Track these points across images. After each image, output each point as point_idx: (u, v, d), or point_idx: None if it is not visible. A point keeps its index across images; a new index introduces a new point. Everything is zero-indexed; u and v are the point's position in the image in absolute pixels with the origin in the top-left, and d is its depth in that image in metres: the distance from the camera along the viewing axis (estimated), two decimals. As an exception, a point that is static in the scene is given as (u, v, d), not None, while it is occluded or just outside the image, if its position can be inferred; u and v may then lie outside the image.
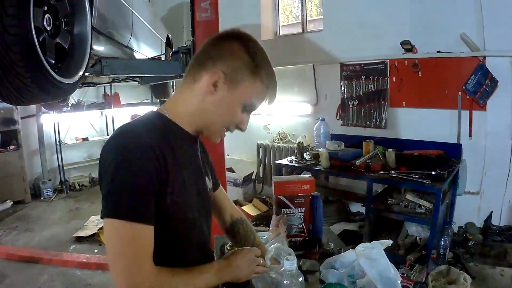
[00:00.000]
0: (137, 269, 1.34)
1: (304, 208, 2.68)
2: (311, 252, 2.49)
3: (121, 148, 1.41)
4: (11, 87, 1.93)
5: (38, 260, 6.08)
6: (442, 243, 4.57)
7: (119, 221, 1.34)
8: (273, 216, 2.66)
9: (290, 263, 1.71)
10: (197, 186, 1.71)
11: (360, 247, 2.05)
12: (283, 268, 1.74)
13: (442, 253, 4.57)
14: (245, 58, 1.56)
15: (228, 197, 2.21)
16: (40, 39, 2.02)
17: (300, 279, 1.75)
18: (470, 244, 5.23)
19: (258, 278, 1.78)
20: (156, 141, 1.45)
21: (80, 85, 5.49)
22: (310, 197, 2.70)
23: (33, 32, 1.91)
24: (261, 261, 1.76)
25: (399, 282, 1.89)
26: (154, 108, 1.79)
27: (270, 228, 2.51)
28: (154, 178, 1.40)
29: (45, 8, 2.14)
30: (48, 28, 2.19)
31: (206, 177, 1.84)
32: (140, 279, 1.34)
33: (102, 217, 1.38)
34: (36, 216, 8.23)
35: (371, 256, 1.95)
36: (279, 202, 2.66)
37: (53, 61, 2.23)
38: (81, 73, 2.58)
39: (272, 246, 2.00)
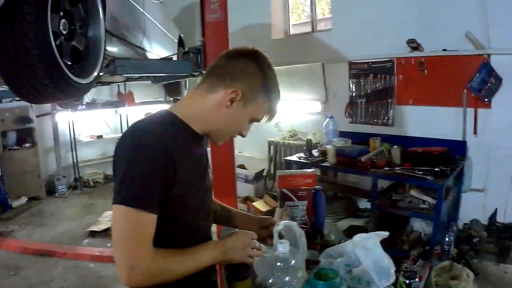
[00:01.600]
0: (137, 252, 1.51)
1: (306, 201, 2.78)
2: (313, 243, 2.58)
3: (136, 144, 1.57)
4: (30, 87, 2.06)
5: (52, 254, 6.22)
6: (447, 239, 4.63)
7: (127, 208, 1.49)
8: (277, 208, 2.77)
9: (283, 247, 1.83)
10: (202, 181, 1.87)
11: (356, 237, 2.11)
12: (276, 252, 1.87)
13: (446, 249, 4.63)
14: (260, 80, 1.76)
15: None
16: (57, 43, 2.14)
17: (293, 262, 1.87)
18: (474, 241, 5.28)
19: (252, 262, 1.88)
20: (167, 139, 1.60)
21: (95, 84, 5.65)
22: (312, 191, 2.80)
23: (51, 37, 2.03)
24: (257, 245, 1.90)
25: (392, 271, 1.99)
26: (167, 106, 1.91)
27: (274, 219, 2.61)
28: (162, 173, 1.55)
29: (61, 13, 2.26)
30: (64, 32, 2.30)
31: (208, 172, 2.00)
32: (139, 261, 1.50)
33: (113, 203, 1.53)
34: (51, 211, 8.37)
35: (367, 247, 2.02)
36: (283, 195, 2.77)
37: (69, 63, 2.35)
38: (95, 73, 2.70)
39: (283, 222, 2.14)
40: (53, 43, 2.06)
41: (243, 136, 1.88)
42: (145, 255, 1.53)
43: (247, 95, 1.73)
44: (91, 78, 2.63)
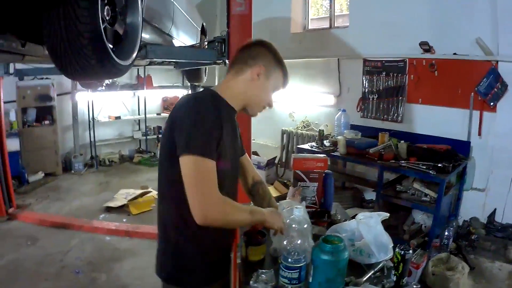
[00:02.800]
0: (210, 194, 1.86)
1: (317, 183, 3.03)
2: (321, 221, 2.86)
3: (198, 108, 1.96)
4: (78, 66, 2.28)
5: (69, 226, 6.42)
6: (446, 233, 4.76)
7: (198, 157, 1.85)
8: (290, 187, 3.04)
9: (298, 210, 2.13)
10: (234, 147, 2.26)
11: (360, 215, 2.38)
12: (292, 216, 2.15)
13: (445, 242, 4.81)
14: (273, 57, 2.23)
15: (251, 162, 2.72)
16: (103, 27, 2.34)
17: (306, 225, 2.15)
18: (472, 237, 5.42)
19: (278, 236, 2.23)
20: (217, 107, 2.03)
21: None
22: (324, 174, 3.05)
23: (100, 22, 2.24)
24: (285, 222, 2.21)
25: (390, 246, 2.21)
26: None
27: (287, 198, 2.84)
28: (219, 131, 1.96)
29: (106, 1, 2.48)
30: (107, 18, 2.52)
31: (238, 142, 2.40)
32: (212, 201, 1.87)
33: (180, 155, 1.88)
34: (67, 187, 8.57)
35: (369, 224, 2.28)
36: (296, 176, 3.04)
37: (111, 46, 2.58)
38: (133, 56, 2.94)
39: (286, 201, 2.47)
40: (101, 28, 2.27)
41: (270, 106, 2.29)
42: (217, 196, 1.89)
43: (268, 68, 2.20)
44: (129, 61, 2.85)
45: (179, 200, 1.92)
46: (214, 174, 1.89)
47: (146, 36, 3.74)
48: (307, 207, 2.79)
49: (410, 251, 2.04)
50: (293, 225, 2.10)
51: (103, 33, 2.29)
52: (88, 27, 2.17)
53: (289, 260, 1.90)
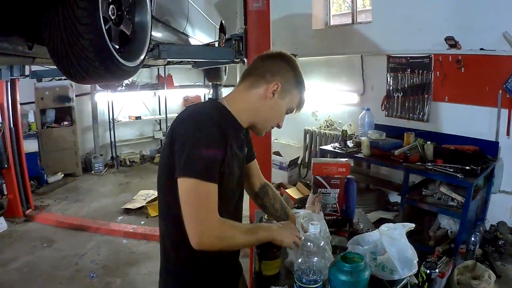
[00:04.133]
0: (207, 218, 1.76)
1: (339, 189, 2.85)
2: (342, 230, 2.71)
3: (200, 125, 1.81)
4: (80, 68, 2.17)
5: (86, 228, 6.41)
6: (473, 238, 4.64)
7: (198, 180, 1.73)
8: (310, 194, 2.85)
9: (314, 227, 1.96)
10: (239, 168, 2.07)
11: (384, 227, 2.20)
12: (307, 232, 1.99)
13: (471, 248, 4.64)
14: (292, 74, 2.06)
15: (258, 167, 2.55)
16: (106, 27, 2.23)
17: (322, 243, 1.98)
18: (499, 243, 5.22)
19: (294, 246, 2.05)
20: (223, 125, 1.86)
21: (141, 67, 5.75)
22: (345, 180, 2.87)
23: (101, 22, 2.13)
24: (300, 235, 2.08)
25: (415, 262, 2.05)
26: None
27: (306, 205, 2.67)
28: (222, 152, 1.83)
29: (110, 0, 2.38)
30: (113, 17, 2.41)
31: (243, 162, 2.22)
32: (210, 225, 1.76)
33: (178, 176, 1.77)
34: (86, 188, 8.56)
35: (393, 236, 2.10)
36: (316, 182, 2.85)
37: (117, 46, 2.46)
38: (142, 57, 2.82)
39: (304, 212, 2.28)
40: (103, 28, 2.16)
41: (279, 127, 2.14)
42: (214, 221, 1.77)
43: (284, 87, 2.02)
44: (137, 62, 2.74)
45: (179, 221, 1.80)
46: (214, 198, 1.79)
47: (158, 35, 3.66)
48: (327, 215, 2.69)
49: (437, 270, 1.88)
50: (308, 243, 1.94)
51: (105, 33, 2.18)
52: (88, 27, 2.07)
53: (303, 280, 1.74)
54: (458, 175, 4.70)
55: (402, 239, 2.10)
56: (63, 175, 9.05)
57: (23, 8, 2.11)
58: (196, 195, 1.74)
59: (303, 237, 2.05)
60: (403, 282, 2.02)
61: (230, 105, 2.03)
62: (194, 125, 1.82)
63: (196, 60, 5.57)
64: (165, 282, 2.16)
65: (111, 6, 2.40)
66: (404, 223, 2.21)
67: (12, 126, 6.80)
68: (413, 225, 2.20)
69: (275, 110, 2.07)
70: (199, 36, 5.29)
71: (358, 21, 7.81)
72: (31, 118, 8.53)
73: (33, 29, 2.36)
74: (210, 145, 1.77)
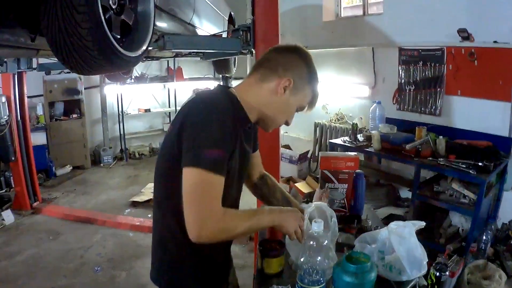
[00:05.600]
0: (209, 209, 1.67)
1: (347, 185, 2.78)
2: (350, 227, 2.62)
3: (210, 113, 1.74)
4: (79, 59, 2.11)
5: (92, 221, 6.44)
6: (484, 237, 4.55)
7: (203, 170, 1.65)
8: (317, 189, 2.80)
9: (317, 225, 1.85)
10: (243, 162, 2.03)
11: (393, 224, 2.12)
12: (310, 230, 1.89)
13: (482, 247, 4.56)
14: (306, 71, 1.98)
15: (260, 158, 2.50)
16: (106, 16, 2.18)
17: (325, 242, 1.89)
18: (511, 242, 5.13)
19: (297, 235, 1.96)
20: (233, 115, 1.83)
21: (144, 59, 5.68)
22: (354, 174, 2.80)
23: (100, 10, 2.06)
24: (304, 227, 1.98)
25: (425, 262, 1.97)
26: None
27: (313, 200, 2.60)
28: (232, 143, 1.79)
29: None
30: (114, 7, 2.33)
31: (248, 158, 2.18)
32: (211, 217, 1.67)
33: (186, 166, 1.69)
34: (95, 181, 8.62)
35: (402, 235, 2.02)
36: (324, 176, 2.79)
37: (118, 36, 2.39)
38: (144, 47, 2.73)
39: (314, 204, 2.18)
40: (102, 17, 2.09)
41: (287, 124, 2.08)
42: (216, 212, 1.69)
43: (297, 84, 1.95)
44: (139, 52, 2.66)
45: (178, 211, 1.74)
46: (220, 191, 1.72)
47: (163, 25, 3.58)
48: (335, 211, 2.55)
49: (447, 273, 1.80)
50: (311, 242, 1.85)
51: (103, 22, 2.10)
52: (85, 16, 1.99)
53: (305, 281, 1.66)
54: (471, 171, 4.57)
55: (412, 238, 2.03)
56: (71, 167, 9.10)
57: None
58: (202, 187, 1.67)
59: (309, 231, 1.94)
60: (412, 284, 1.95)
61: (240, 96, 1.97)
62: (208, 115, 1.74)
63: (204, 51, 5.51)
64: (159, 271, 2.09)
65: (111, -5, 2.32)
66: (414, 221, 2.13)
67: (19, 119, 6.82)
68: (423, 223, 2.12)
69: (285, 106, 2.01)
70: (206, 27, 5.21)
71: (370, 12, 7.69)
72: (39, 111, 8.58)
73: (34, 19, 2.29)
74: (223, 138, 1.72)
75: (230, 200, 1.96)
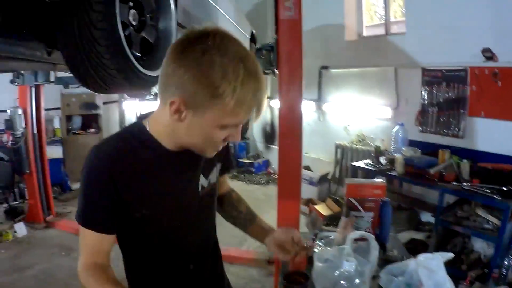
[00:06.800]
0: (81, 259, 1.63)
1: (373, 213, 2.70)
2: (374, 258, 2.51)
3: (86, 163, 1.57)
4: (96, 77, 2.05)
5: (106, 238, 6.33)
6: (506, 263, 4.44)
7: (79, 224, 1.60)
8: (342, 217, 2.69)
9: (349, 265, 1.74)
10: (177, 198, 1.73)
11: (421, 256, 2.04)
12: (342, 269, 1.77)
13: (504, 273, 4.44)
14: (202, 79, 1.37)
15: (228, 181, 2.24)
16: (126, 33, 2.10)
17: (357, 281, 1.78)
18: None
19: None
20: (119, 160, 1.56)
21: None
22: (381, 202, 2.72)
23: (119, 26, 2.00)
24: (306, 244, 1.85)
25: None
26: None
27: (338, 229, 2.52)
28: (105, 196, 1.55)
29: (131, 4, 2.23)
30: (134, 23, 2.27)
31: (202, 177, 1.81)
32: (79, 267, 1.62)
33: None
34: (110, 196, 8.50)
35: (430, 267, 1.94)
36: (350, 204, 2.70)
37: (139, 54, 2.32)
38: (165, 66, 2.68)
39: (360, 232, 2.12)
40: (122, 34, 2.03)
41: (234, 142, 1.80)
42: (82, 265, 1.61)
43: (190, 102, 1.42)
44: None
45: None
46: (91, 245, 1.63)
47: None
48: (359, 239, 2.40)
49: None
50: (341, 282, 1.74)
51: (123, 39, 2.04)
52: (104, 33, 1.93)
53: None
54: (495, 196, 4.51)
55: (440, 271, 1.94)
56: (88, 182, 9.01)
57: (37, 11, 1.96)
58: (80, 238, 1.64)
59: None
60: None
61: (152, 126, 1.62)
62: (86, 162, 1.57)
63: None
64: None
65: (132, 11, 2.25)
66: (442, 253, 2.04)
67: (35, 131, 6.84)
68: (451, 255, 2.04)
69: (195, 131, 1.50)
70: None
71: (392, 31, 7.64)
72: (56, 124, 8.63)
73: (51, 33, 2.22)
74: (91, 190, 1.57)
75: (179, 249, 1.83)
